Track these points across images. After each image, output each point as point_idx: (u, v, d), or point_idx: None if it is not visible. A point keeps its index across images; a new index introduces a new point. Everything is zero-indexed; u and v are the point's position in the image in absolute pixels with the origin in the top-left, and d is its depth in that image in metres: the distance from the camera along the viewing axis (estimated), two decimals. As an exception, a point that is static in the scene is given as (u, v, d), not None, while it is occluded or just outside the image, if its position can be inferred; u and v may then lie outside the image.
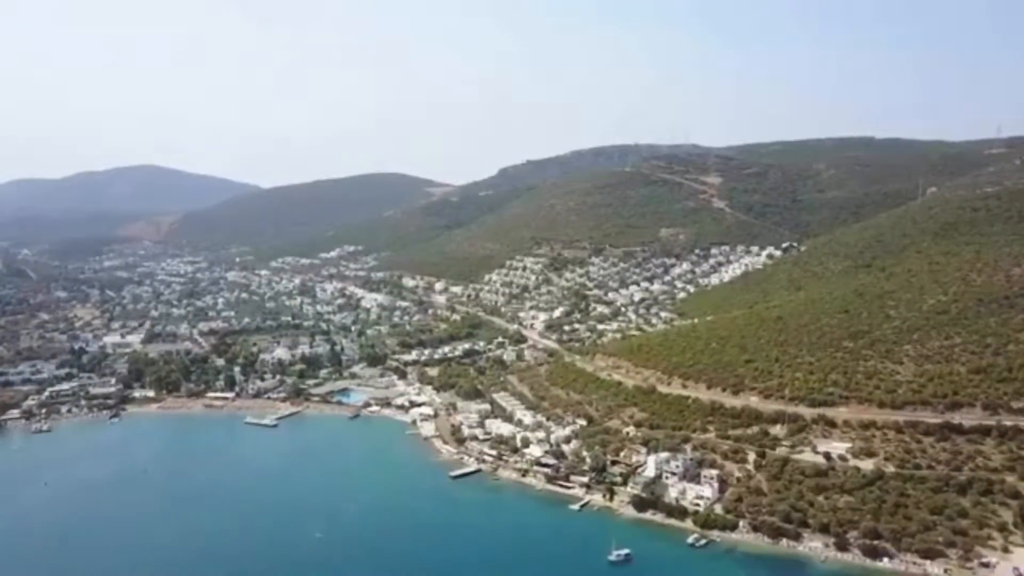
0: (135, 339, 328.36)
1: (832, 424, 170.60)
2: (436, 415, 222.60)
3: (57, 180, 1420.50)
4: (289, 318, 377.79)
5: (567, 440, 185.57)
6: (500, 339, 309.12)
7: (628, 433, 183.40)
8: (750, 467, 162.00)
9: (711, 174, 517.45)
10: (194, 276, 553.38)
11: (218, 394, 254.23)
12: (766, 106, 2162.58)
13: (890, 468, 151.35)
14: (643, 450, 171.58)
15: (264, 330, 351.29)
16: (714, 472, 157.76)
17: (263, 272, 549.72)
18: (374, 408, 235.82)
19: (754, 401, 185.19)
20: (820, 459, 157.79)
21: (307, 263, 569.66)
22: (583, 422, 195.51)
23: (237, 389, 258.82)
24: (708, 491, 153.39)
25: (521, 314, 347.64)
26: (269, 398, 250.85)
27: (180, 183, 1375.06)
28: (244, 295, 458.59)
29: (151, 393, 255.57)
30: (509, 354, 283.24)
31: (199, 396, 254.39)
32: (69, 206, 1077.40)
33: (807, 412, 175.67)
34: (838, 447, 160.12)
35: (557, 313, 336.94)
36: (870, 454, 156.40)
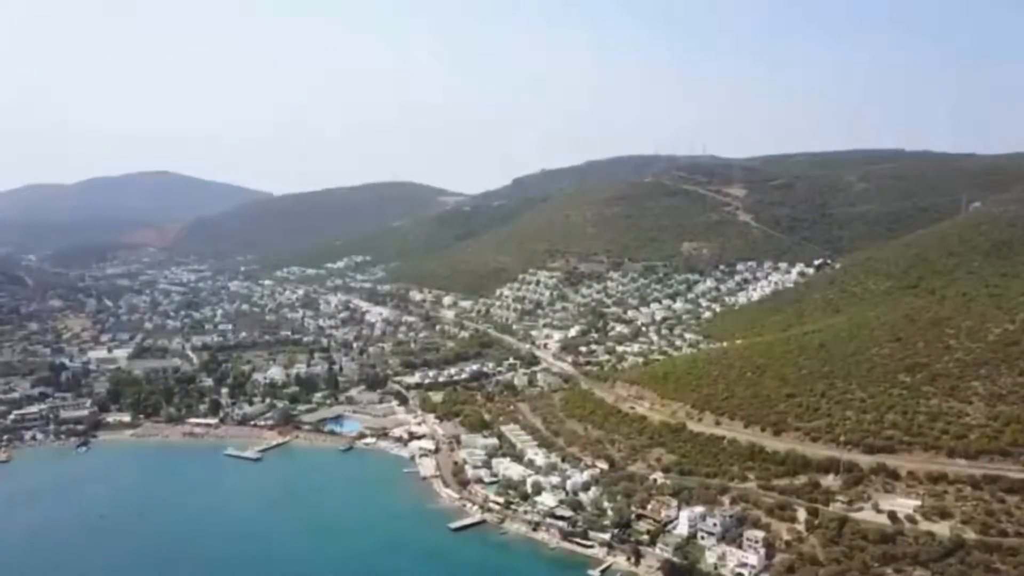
0: (122, 354, 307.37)
1: (894, 476, 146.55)
2: (437, 450, 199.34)
3: (70, 185, 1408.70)
4: (289, 332, 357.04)
5: (585, 487, 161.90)
6: (511, 360, 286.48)
7: (655, 480, 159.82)
8: (800, 527, 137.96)
9: (735, 186, 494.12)
10: (196, 285, 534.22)
11: (200, 420, 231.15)
12: (787, 118, 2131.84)
13: (970, 534, 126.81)
14: (673, 502, 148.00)
15: (261, 345, 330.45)
16: (759, 534, 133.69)
17: (267, 282, 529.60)
18: (369, 440, 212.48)
19: (800, 444, 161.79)
20: (884, 519, 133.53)
21: (313, 273, 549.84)
22: (603, 465, 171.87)
23: (221, 414, 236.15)
24: (753, 558, 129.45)
25: (534, 332, 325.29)
26: (256, 425, 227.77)
27: (193, 189, 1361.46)
28: (245, 307, 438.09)
29: (127, 418, 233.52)
30: (520, 378, 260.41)
31: (179, 421, 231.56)
32: (80, 211, 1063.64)
33: (863, 460, 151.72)
34: (905, 505, 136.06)
35: (573, 332, 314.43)
36: (944, 515, 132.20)
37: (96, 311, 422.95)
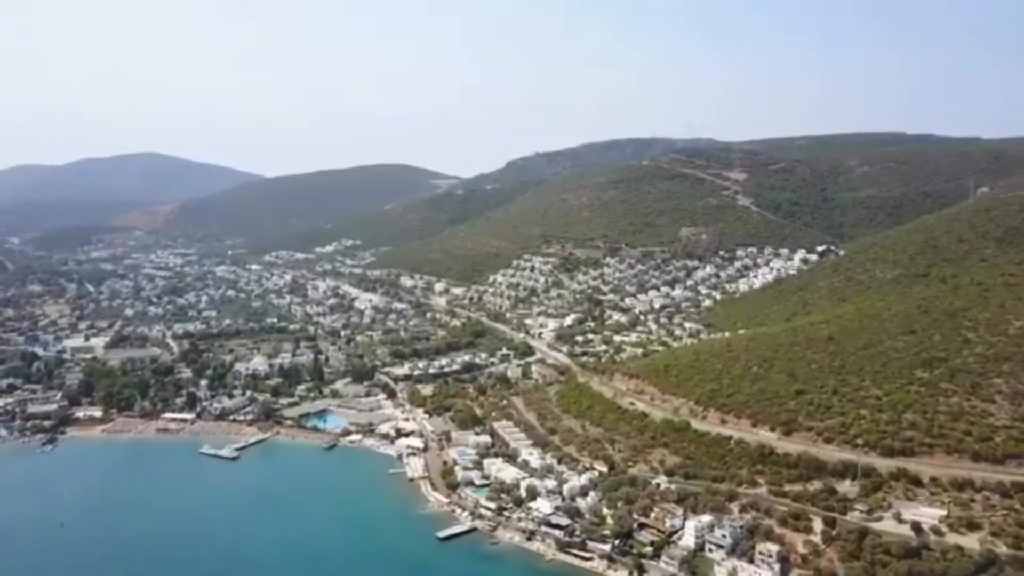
0: (99, 342, 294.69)
1: (916, 481, 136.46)
2: (426, 448, 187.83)
3: (59, 166, 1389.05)
4: (275, 320, 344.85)
5: (583, 492, 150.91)
6: (504, 351, 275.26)
7: (658, 485, 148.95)
8: (816, 539, 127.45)
9: (735, 169, 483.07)
10: (182, 270, 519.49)
11: (176, 415, 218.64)
12: (787, 101, 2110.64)
13: (1002, 548, 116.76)
14: (678, 511, 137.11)
15: (245, 333, 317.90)
16: (773, 547, 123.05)
17: (254, 267, 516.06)
18: (354, 437, 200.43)
19: (812, 445, 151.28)
20: (907, 531, 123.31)
21: (302, 258, 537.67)
22: (602, 467, 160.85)
23: (198, 409, 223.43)
24: (767, 574, 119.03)
25: (528, 321, 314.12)
26: (234, 420, 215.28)
27: (183, 171, 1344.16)
28: (231, 292, 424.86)
29: (98, 412, 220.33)
30: (514, 370, 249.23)
31: (154, 416, 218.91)
32: (69, 193, 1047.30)
33: (881, 463, 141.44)
34: (929, 515, 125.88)
35: (568, 321, 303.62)
36: (972, 526, 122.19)
37: (76, 296, 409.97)
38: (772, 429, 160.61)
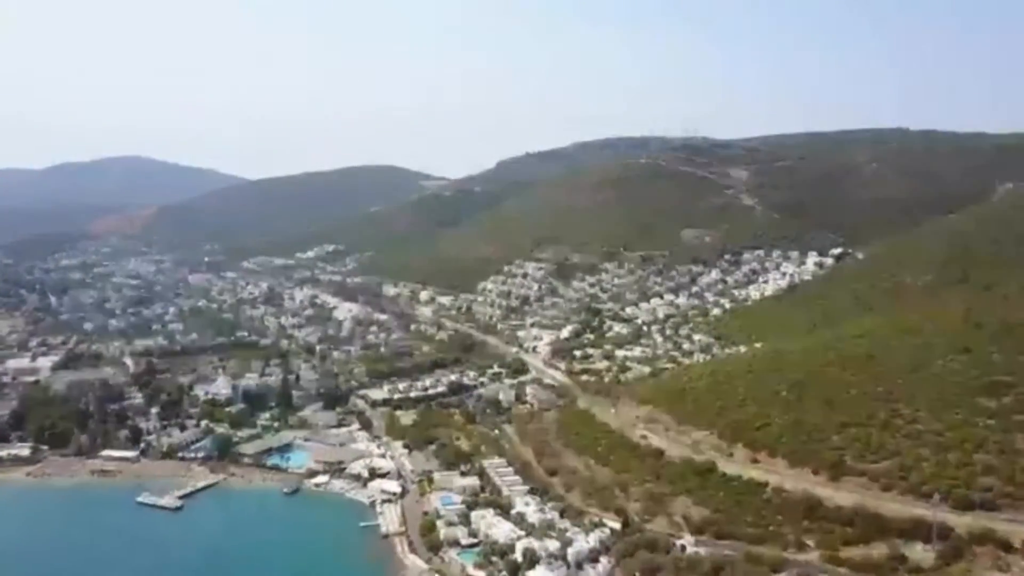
0: (46, 363, 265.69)
1: (1005, 545, 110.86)
2: (404, 493, 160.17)
3: (38, 170, 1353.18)
4: (246, 333, 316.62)
5: (592, 557, 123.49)
6: (495, 368, 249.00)
7: (684, 548, 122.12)
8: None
9: (737, 167, 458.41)
10: (154, 278, 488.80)
11: (116, 453, 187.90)
12: (782, 97, 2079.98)
13: None
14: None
15: (212, 349, 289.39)
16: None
17: (230, 274, 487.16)
18: (321, 479, 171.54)
19: (867, 495, 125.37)
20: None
21: (281, 264, 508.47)
22: (614, 523, 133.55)
23: (143, 445, 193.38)
24: None
25: (521, 333, 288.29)
26: (183, 458, 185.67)
27: (166, 174, 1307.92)
28: (202, 303, 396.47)
29: (26, 451, 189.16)
30: (507, 392, 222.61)
31: (92, 454, 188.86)
32: (47, 197, 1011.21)
33: (957, 521, 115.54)
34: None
35: (565, 333, 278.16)
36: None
37: (35, 309, 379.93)
38: (815, 472, 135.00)
